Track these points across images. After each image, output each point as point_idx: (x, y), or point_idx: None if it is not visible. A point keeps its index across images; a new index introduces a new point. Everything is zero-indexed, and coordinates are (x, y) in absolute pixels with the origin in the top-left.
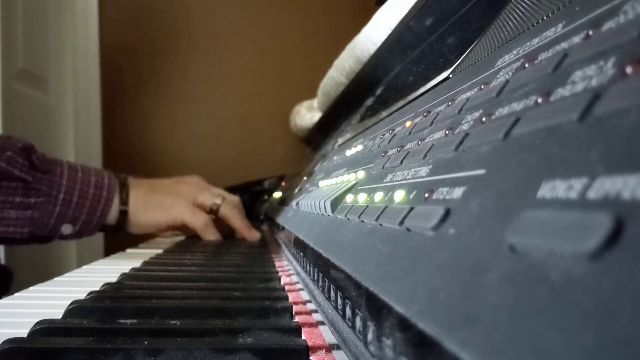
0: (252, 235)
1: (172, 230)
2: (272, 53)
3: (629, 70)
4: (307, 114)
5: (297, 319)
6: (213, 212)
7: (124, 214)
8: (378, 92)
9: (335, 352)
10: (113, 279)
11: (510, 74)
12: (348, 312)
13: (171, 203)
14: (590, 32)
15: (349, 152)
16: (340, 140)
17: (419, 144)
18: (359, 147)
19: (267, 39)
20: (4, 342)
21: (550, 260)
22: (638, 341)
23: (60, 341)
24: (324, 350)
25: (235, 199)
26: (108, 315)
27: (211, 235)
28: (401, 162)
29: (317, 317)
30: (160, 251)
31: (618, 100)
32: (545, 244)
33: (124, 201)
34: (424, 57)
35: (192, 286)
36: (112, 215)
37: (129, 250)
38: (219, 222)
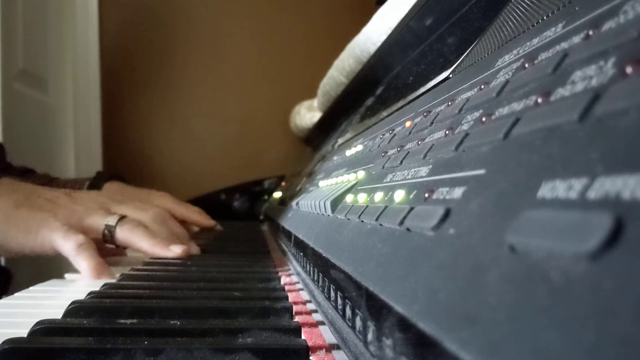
0: (170, 254)
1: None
2: (272, 53)
3: (629, 70)
4: (307, 114)
5: (297, 319)
6: (107, 238)
7: None
8: (378, 92)
9: (335, 352)
10: (113, 279)
11: (510, 74)
12: (348, 312)
13: (40, 223)
14: (590, 32)
15: (349, 152)
16: (340, 140)
17: (419, 144)
18: (359, 147)
19: (267, 39)
20: (4, 342)
21: (550, 260)
22: (638, 341)
23: (60, 341)
24: (324, 350)
25: (148, 214)
26: (108, 315)
27: (85, 259)
28: (401, 162)
29: (317, 317)
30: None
31: (618, 100)
32: (545, 244)
33: None
34: (424, 57)
35: (192, 286)
36: None
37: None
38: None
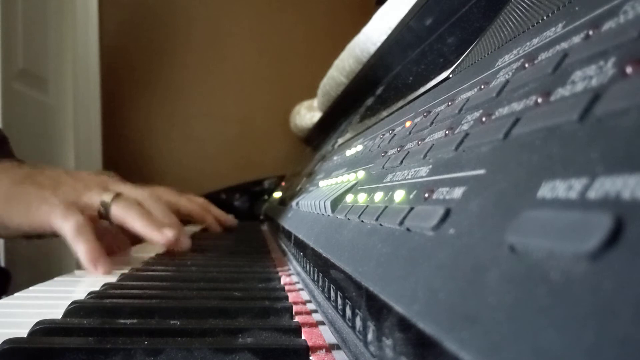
0: (161, 236)
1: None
2: (272, 53)
3: (629, 70)
4: (307, 114)
5: (297, 319)
6: (103, 215)
7: None
8: (378, 92)
9: (335, 352)
10: (113, 279)
11: (510, 74)
12: (348, 312)
13: (40, 199)
14: (590, 32)
15: (349, 152)
16: (340, 140)
17: (419, 144)
18: (359, 147)
19: (267, 39)
20: (4, 342)
21: (550, 260)
22: (638, 341)
23: (60, 341)
24: (324, 350)
25: (144, 194)
26: (108, 315)
27: (83, 242)
28: (401, 162)
29: (317, 317)
30: (160, 251)
31: (618, 100)
32: (545, 244)
33: None
34: (424, 57)
35: (192, 286)
36: None
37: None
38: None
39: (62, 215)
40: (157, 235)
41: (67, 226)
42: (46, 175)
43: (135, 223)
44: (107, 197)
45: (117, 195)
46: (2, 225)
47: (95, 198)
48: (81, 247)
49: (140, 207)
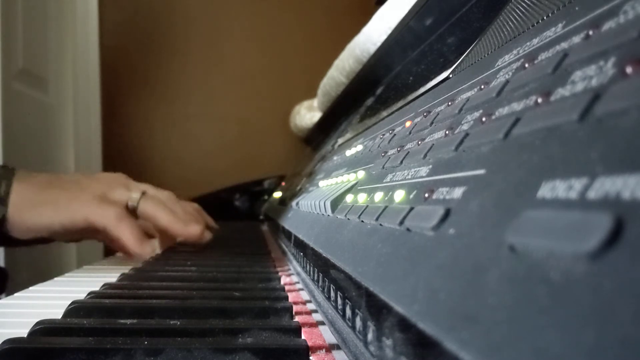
0: (189, 230)
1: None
2: (272, 53)
3: (629, 70)
4: (307, 114)
5: (297, 319)
6: (130, 212)
7: None
8: (378, 92)
9: (335, 352)
10: (113, 279)
11: (510, 74)
12: (348, 312)
13: (69, 198)
14: (590, 32)
15: (349, 152)
16: (340, 140)
17: (419, 144)
18: (359, 147)
19: (267, 39)
20: (4, 342)
21: (550, 260)
22: (638, 341)
23: (60, 341)
24: (324, 350)
25: (163, 194)
26: (108, 315)
27: (127, 227)
28: (401, 162)
29: (317, 317)
30: (159, 251)
31: (618, 100)
32: (545, 244)
33: (2, 196)
34: (424, 57)
35: (192, 286)
36: None
37: None
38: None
39: (99, 207)
40: (184, 230)
41: (108, 216)
42: (66, 180)
43: (163, 219)
44: (135, 195)
45: (144, 193)
46: (25, 229)
47: (123, 195)
48: (126, 232)
49: (165, 205)
